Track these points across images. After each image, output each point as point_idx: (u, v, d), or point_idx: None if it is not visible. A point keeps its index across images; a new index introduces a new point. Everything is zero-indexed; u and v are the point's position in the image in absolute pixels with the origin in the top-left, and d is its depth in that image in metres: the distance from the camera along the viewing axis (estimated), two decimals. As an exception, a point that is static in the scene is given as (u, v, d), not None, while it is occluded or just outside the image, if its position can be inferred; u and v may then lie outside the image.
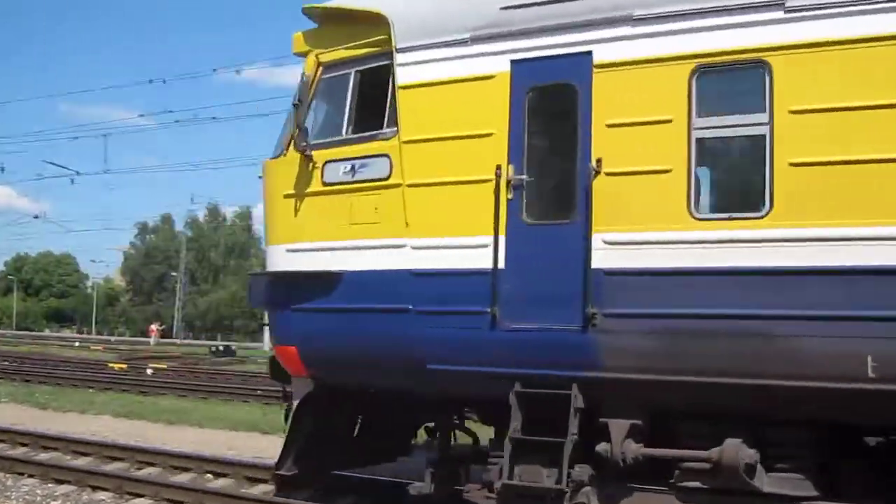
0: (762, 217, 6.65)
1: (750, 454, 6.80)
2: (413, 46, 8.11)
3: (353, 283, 8.03)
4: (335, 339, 8.10)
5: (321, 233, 8.25)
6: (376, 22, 8.28)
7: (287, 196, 8.49)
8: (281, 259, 8.50)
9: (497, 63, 7.75)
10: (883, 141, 6.35)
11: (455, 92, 7.86)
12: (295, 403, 8.62)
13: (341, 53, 8.50)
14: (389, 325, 7.88)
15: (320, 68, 8.62)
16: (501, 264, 7.53)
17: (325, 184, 8.30)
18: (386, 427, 9.46)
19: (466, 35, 7.91)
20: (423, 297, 7.76)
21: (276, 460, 8.84)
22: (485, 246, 7.59)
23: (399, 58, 8.11)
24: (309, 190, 8.37)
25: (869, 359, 6.21)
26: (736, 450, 6.78)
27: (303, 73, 8.76)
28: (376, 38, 8.28)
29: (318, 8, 8.77)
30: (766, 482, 6.88)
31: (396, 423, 9.50)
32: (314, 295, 8.19)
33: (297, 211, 8.41)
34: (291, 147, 8.56)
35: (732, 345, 6.61)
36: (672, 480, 7.11)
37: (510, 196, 7.59)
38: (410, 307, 7.79)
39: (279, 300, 8.53)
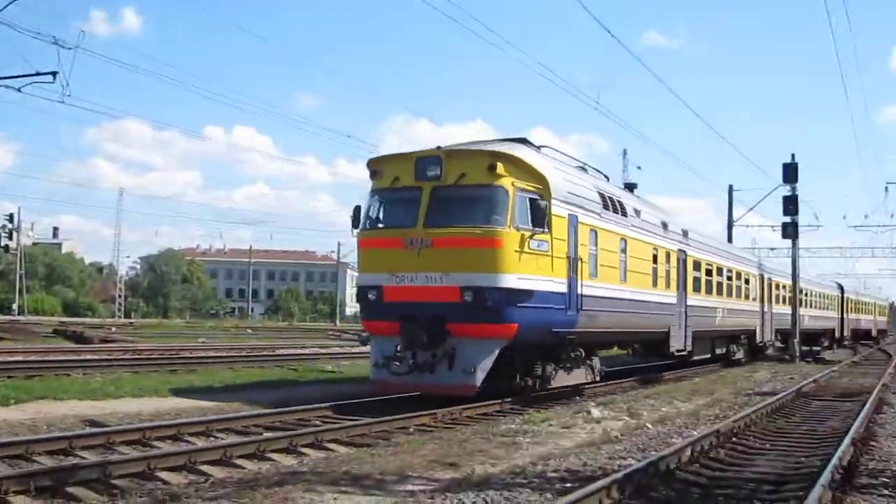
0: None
1: None
2: (555, 197, 18.33)
3: (539, 295, 17.83)
4: (534, 321, 17.71)
5: (530, 270, 17.64)
6: (540, 178, 18.05)
7: (516, 251, 17.40)
8: (513, 281, 17.29)
9: (566, 211, 18.93)
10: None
11: (560, 221, 18.64)
12: (497, 352, 17.41)
13: (525, 185, 17.78)
14: (551, 315, 18.10)
15: (516, 189, 17.62)
16: (565, 290, 18.82)
17: (530, 248, 17.66)
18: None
19: (562, 198, 18.75)
20: (559, 303, 18.30)
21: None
22: (563, 283, 18.71)
23: (553, 201, 18.20)
24: (524, 249, 17.54)
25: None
26: None
27: (500, 186, 17.55)
28: (538, 186, 18.02)
29: (516, 157, 17.71)
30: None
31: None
32: (526, 299, 17.55)
33: (520, 258, 17.46)
34: (510, 226, 17.43)
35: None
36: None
37: (568, 266, 18.90)
38: (555, 307, 18.23)
39: (510, 301, 17.30)
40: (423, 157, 18.13)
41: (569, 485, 9.72)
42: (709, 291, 30.80)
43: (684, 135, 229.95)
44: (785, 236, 42.70)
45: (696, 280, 29.12)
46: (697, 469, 11.28)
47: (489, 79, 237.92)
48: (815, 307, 54.61)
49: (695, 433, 14.10)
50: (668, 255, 26.01)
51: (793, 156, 42.51)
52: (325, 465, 10.94)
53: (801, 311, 44.59)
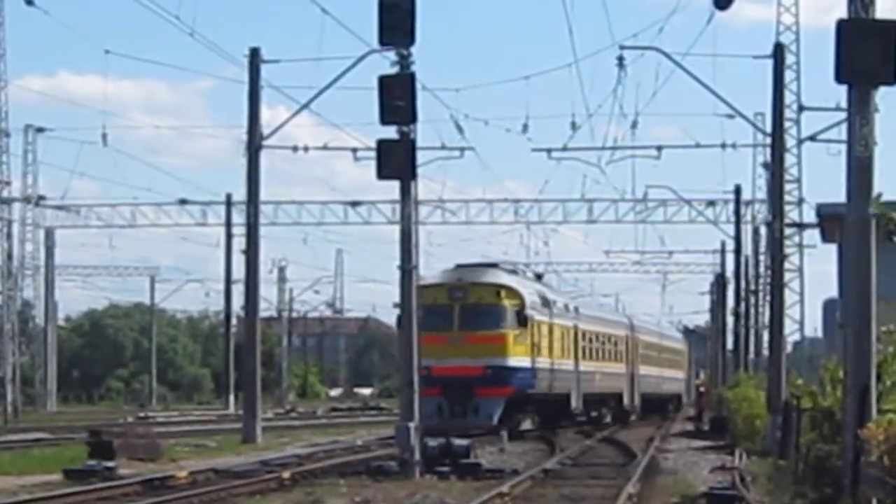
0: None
1: None
2: (527, 307, 30.26)
3: (521, 369, 29.95)
4: (520, 385, 29.78)
5: (518, 354, 29.66)
6: (520, 297, 30.03)
7: (512, 343, 29.32)
8: (513, 361, 29.22)
9: (530, 314, 31.02)
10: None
11: (529, 321, 30.68)
12: (504, 404, 29.37)
13: (513, 302, 29.58)
14: (526, 381, 30.34)
15: (511, 305, 29.43)
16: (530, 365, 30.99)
17: (518, 341, 29.65)
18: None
19: (529, 306, 30.72)
20: (528, 373, 30.48)
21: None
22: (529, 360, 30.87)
23: (526, 310, 30.14)
24: (515, 342, 29.51)
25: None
26: None
27: (503, 306, 29.39)
28: (520, 301, 29.91)
29: (510, 286, 29.56)
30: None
31: None
32: (517, 372, 29.54)
33: (514, 347, 29.39)
34: (509, 329, 29.41)
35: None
36: None
37: (531, 349, 31.06)
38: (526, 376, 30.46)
39: (511, 373, 29.28)
40: (453, 286, 29.65)
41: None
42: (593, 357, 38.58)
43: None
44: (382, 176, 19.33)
45: (584, 349, 37.48)
46: None
47: None
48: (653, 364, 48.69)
49: None
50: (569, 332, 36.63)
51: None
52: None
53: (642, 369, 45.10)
